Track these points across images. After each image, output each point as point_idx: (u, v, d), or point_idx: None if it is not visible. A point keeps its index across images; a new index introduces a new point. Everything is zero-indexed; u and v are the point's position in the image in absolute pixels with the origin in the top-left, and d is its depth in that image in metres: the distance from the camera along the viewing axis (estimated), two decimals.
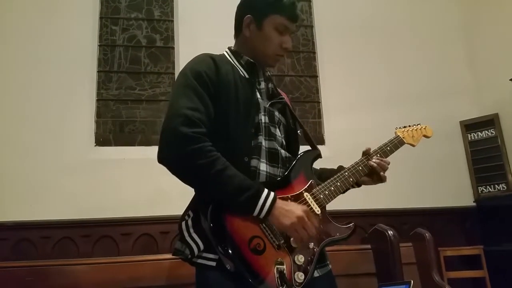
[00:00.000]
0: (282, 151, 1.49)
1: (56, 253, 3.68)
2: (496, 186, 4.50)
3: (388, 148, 1.63)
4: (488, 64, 4.82)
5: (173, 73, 4.48)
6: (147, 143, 4.23)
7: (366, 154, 1.59)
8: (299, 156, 1.52)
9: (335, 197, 1.46)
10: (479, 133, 4.70)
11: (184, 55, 4.34)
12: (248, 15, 1.52)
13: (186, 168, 1.27)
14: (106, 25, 4.52)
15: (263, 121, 1.45)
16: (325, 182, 1.47)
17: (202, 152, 1.24)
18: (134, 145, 4.21)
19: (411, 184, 4.19)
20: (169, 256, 3.05)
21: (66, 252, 3.68)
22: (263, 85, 1.54)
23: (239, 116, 1.39)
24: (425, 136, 1.75)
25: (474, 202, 4.56)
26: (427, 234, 2.47)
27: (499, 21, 4.74)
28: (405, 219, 4.22)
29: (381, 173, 1.55)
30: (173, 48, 4.57)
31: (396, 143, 1.66)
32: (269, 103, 1.52)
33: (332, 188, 1.45)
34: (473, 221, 4.46)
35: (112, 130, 4.25)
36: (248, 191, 1.25)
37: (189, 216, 1.36)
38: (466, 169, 4.70)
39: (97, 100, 4.28)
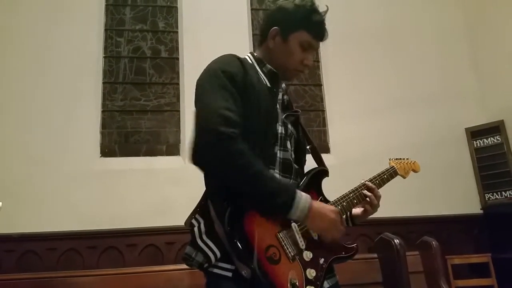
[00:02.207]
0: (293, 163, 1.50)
1: (61, 265, 3.67)
2: (503, 193, 4.47)
3: (385, 177, 1.66)
4: (494, 71, 4.81)
5: (178, 84, 4.50)
6: (152, 153, 4.24)
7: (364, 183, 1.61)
8: (311, 171, 1.53)
9: (341, 217, 1.47)
10: (485, 140, 4.67)
11: (189, 65, 4.37)
12: (275, 27, 1.51)
13: (227, 168, 1.25)
14: (111, 37, 4.56)
15: (280, 132, 1.46)
16: (332, 201, 1.48)
17: (243, 152, 1.25)
18: (139, 156, 4.22)
19: (417, 192, 4.16)
20: (175, 266, 3.04)
21: (72, 264, 3.67)
22: (280, 95, 1.54)
23: (259, 124, 1.38)
24: (413, 170, 1.80)
25: (481, 209, 4.52)
26: (434, 242, 2.45)
27: (505, 27, 4.74)
28: (412, 227, 4.19)
29: (368, 206, 1.56)
30: (177, 58, 4.60)
31: (391, 173, 1.70)
32: (284, 115, 1.52)
33: (339, 207, 1.47)
34: (481, 229, 4.43)
35: (117, 140, 4.27)
36: (285, 193, 1.27)
37: (198, 221, 1.34)
38: (473, 176, 4.67)
39: (103, 111, 4.30)
